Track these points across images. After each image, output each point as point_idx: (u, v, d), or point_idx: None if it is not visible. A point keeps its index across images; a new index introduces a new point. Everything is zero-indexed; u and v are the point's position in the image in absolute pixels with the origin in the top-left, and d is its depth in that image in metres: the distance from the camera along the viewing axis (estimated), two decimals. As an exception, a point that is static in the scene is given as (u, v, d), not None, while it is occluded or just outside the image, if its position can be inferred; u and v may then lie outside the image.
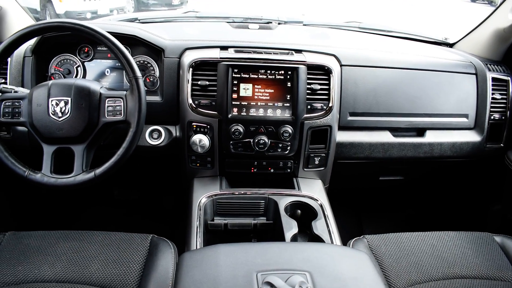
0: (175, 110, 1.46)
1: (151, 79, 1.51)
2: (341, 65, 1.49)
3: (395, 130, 1.60)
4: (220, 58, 1.38)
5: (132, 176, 1.94)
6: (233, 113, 1.38)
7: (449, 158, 1.65)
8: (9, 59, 1.41)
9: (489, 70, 1.63)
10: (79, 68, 1.51)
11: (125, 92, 1.24)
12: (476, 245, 1.29)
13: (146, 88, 1.31)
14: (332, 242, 1.23)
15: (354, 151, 1.57)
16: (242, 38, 1.59)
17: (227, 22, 1.82)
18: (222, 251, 0.97)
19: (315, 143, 1.49)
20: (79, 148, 1.23)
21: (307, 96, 1.40)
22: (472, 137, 1.64)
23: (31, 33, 1.19)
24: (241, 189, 1.43)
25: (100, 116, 1.23)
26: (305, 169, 1.52)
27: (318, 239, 1.24)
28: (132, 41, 1.47)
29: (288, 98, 1.38)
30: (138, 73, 1.22)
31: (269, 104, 1.38)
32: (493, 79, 1.62)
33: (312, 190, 1.46)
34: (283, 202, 1.36)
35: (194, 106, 1.39)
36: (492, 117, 1.62)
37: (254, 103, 1.38)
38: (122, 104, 1.23)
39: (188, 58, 1.40)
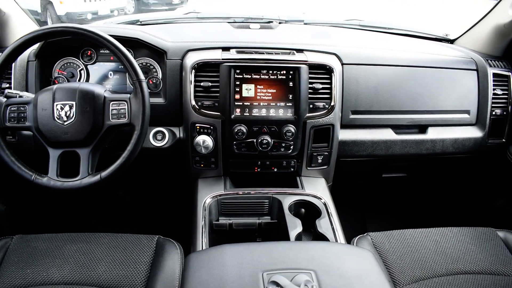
0: (178, 111, 1.47)
1: (154, 81, 1.52)
2: (342, 64, 1.50)
3: (397, 127, 1.60)
4: (222, 59, 1.38)
5: (137, 178, 1.94)
6: (236, 114, 1.39)
7: (451, 154, 1.66)
8: (13, 64, 1.42)
9: (490, 65, 1.63)
10: (82, 71, 1.52)
11: (129, 95, 1.25)
12: (479, 240, 1.29)
13: (149, 90, 1.32)
14: (336, 240, 1.24)
15: (357, 149, 1.58)
16: (244, 38, 1.59)
17: (228, 22, 1.82)
18: (227, 251, 0.98)
19: (318, 142, 1.50)
20: (85, 151, 1.24)
21: (309, 96, 1.41)
22: (474, 133, 1.64)
23: (35, 38, 1.21)
24: (245, 189, 1.44)
25: (104, 120, 1.24)
26: (308, 168, 1.53)
27: (322, 237, 1.25)
28: (135, 44, 1.48)
29: (290, 98, 1.39)
30: (142, 76, 1.23)
31: (271, 104, 1.39)
32: (494, 74, 1.62)
33: (316, 188, 1.47)
34: (287, 201, 1.37)
35: (197, 107, 1.40)
36: (493, 113, 1.63)
37: (257, 103, 1.39)
38: (126, 107, 1.24)
39: (191, 59, 1.41)
